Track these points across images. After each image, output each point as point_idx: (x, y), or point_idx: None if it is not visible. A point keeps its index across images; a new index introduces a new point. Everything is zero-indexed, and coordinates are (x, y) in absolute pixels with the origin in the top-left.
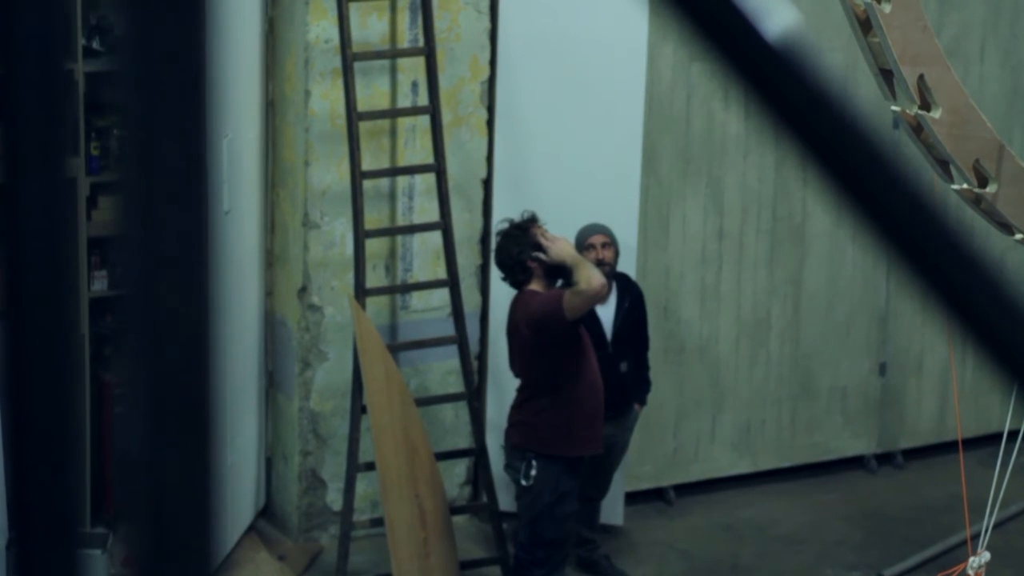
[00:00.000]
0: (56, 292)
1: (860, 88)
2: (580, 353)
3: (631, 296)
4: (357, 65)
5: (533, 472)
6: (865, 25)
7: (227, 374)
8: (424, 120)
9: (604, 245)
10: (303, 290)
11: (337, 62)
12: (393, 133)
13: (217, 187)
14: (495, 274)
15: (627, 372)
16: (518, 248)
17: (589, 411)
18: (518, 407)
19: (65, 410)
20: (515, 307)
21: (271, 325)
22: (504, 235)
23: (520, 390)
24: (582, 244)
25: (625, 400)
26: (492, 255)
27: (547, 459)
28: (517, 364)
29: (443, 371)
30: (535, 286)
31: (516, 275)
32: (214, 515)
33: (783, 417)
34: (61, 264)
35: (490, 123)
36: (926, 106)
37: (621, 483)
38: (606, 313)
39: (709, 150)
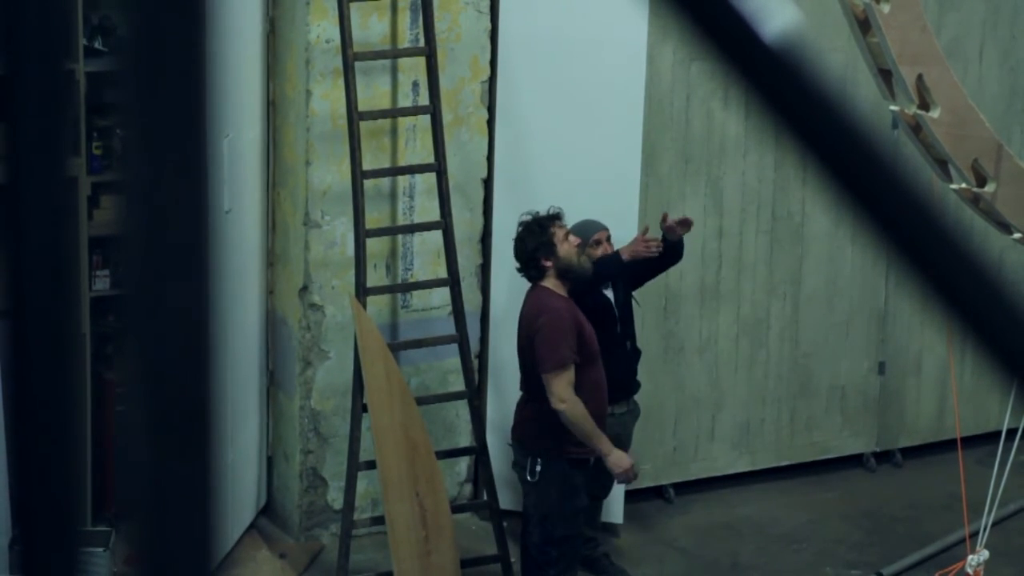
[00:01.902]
0: (57, 291)
1: (859, 88)
2: (586, 360)
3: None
4: (358, 65)
5: (539, 468)
6: (864, 25)
7: (228, 373)
8: (425, 120)
9: (608, 239)
10: (304, 289)
11: (338, 62)
12: (394, 133)
13: (218, 187)
14: (496, 273)
15: (631, 350)
16: (533, 244)
17: (593, 413)
18: (523, 405)
19: (66, 409)
20: (528, 304)
21: (272, 324)
22: (524, 228)
23: (526, 388)
24: (586, 239)
25: (633, 379)
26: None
27: (553, 457)
28: (527, 358)
29: (444, 370)
30: (548, 283)
31: (529, 271)
32: (215, 513)
33: (782, 416)
34: (62, 263)
35: (490, 123)
36: (925, 106)
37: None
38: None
39: (708, 150)
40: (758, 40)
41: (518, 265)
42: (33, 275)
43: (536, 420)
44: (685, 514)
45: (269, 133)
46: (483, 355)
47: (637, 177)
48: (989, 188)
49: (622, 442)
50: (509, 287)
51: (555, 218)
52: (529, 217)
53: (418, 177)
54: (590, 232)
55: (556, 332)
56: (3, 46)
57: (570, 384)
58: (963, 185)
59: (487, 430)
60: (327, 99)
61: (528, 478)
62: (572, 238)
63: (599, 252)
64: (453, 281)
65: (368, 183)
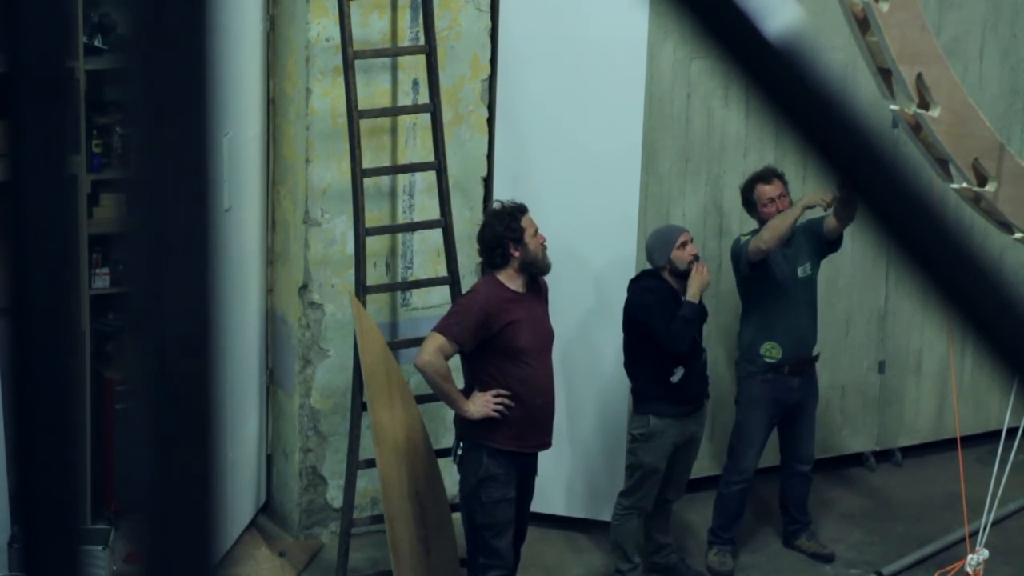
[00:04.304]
0: (57, 289)
1: (859, 87)
2: (510, 355)
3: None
4: (358, 63)
5: (459, 452)
6: (863, 24)
7: (228, 371)
8: (425, 118)
9: (692, 240)
10: (304, 288)
11: (338, 60)
12: (394, 131)
13: (218, 185)
14: None
15: (705, 361)
16: (504, 231)
17: (532, 406)
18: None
19: (66, 407)
20: None
21: (272, 322)
22: (494, 214)
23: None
24: (671, 244)
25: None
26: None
27: (473, 443)
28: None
29: None
30: (503, 275)
31: (494, 257)
32: (215, 511)
33: None
34: (62, 261)
35: (490, 121)
36: (924, 105)
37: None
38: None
39: (709, 149)
40: (760, 38)
41: (480, 248)
42: (33, 272)
43: None
44: (683, 513)
45: (269, 131)
46: None
47: (637, 176)
48: (990, 187)
49: (697, 439)
50: None
51: (525, 210)
52: (499, 205)
53: (418, 175)
54: (673, 237)
55: (461, 307)
56: (3, 44)
57: (441, 350)
58: (964, 184)
59: None
60: (327, 97)
61: (453, 461)
62: (540, 234)
63: (687, 253)
64: (453, 279)
65: (368, 181)
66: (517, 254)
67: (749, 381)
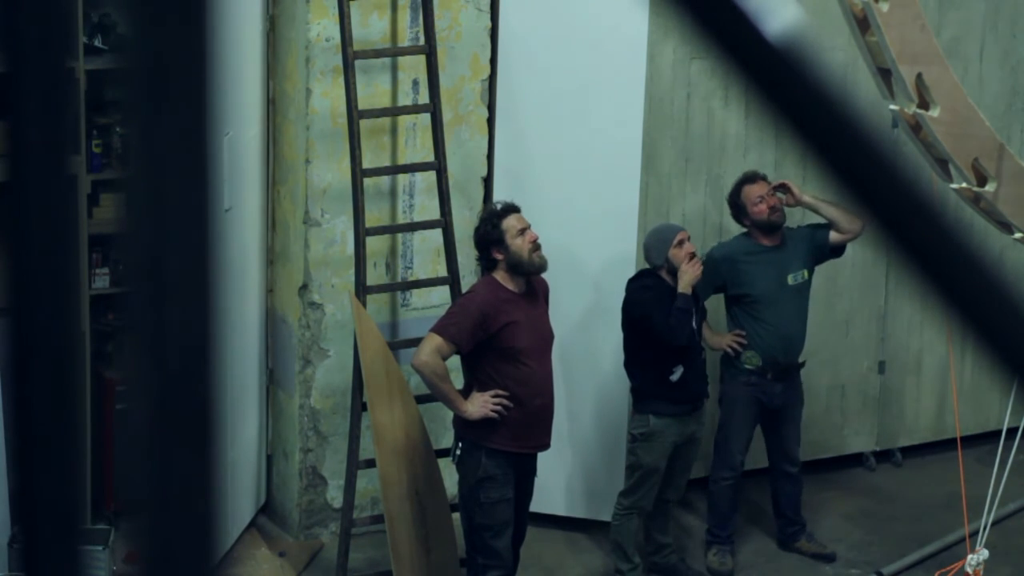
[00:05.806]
0: (57, 289)
1: (859, 87)
2: (507, 356)
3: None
4: (358, 63)
5: (458, 452)
6: (863, 24)
7: (228, 371)
8: (425, 118)
9: (688, 239)
10: (304, 288)
11: (338, 60)
12: (394, 131)
13: (218, 185)
14: None
15: (704, 360)
16: (485, 236)
17: (531, 406)
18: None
19: (66, 407)
20: None
21: (272, 322)
22: (481, 219)
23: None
24: (668, 243)
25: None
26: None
27: (472, 443)
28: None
29: None
30: (499, 275)
31: (483, 260)
32: (215, 512)
33: None
34: (62, 261)
35: (490, 121)
36: (924, 105)
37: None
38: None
39: (709, 148)
40: (760, 38)
41: (477, 255)
42: (33, 273)
43: None
44: (683, 513)
45: (269, 131)
46: None
47: (637, 176)
48: (990, 187)
49: (697, 439)
50: None
51: (510, 211)
52: (499, 206)
53: (418, 175)
54: (670, 236)
55: (458, 308)
56: (4, 44)
57: (438, 351)
58: (963, 184)
59: None
60: (327, 97)
61: (451, 460)
62: (529, 233)
63: (683, 252)
64: (453, 280)
65: (368, 181)
66: (500, 256)
67: (732, 382)
